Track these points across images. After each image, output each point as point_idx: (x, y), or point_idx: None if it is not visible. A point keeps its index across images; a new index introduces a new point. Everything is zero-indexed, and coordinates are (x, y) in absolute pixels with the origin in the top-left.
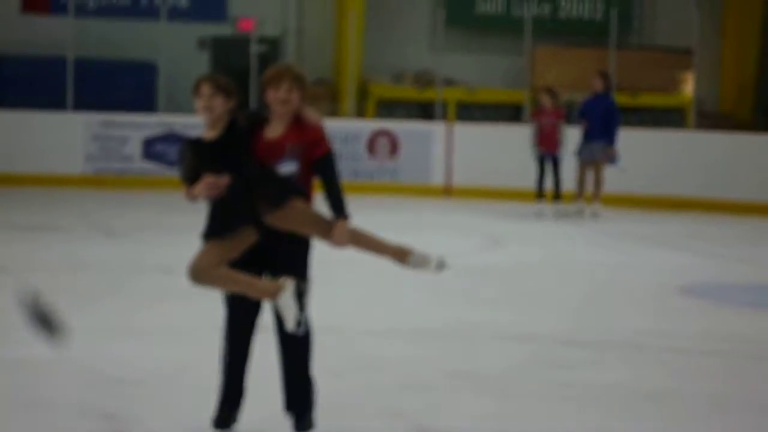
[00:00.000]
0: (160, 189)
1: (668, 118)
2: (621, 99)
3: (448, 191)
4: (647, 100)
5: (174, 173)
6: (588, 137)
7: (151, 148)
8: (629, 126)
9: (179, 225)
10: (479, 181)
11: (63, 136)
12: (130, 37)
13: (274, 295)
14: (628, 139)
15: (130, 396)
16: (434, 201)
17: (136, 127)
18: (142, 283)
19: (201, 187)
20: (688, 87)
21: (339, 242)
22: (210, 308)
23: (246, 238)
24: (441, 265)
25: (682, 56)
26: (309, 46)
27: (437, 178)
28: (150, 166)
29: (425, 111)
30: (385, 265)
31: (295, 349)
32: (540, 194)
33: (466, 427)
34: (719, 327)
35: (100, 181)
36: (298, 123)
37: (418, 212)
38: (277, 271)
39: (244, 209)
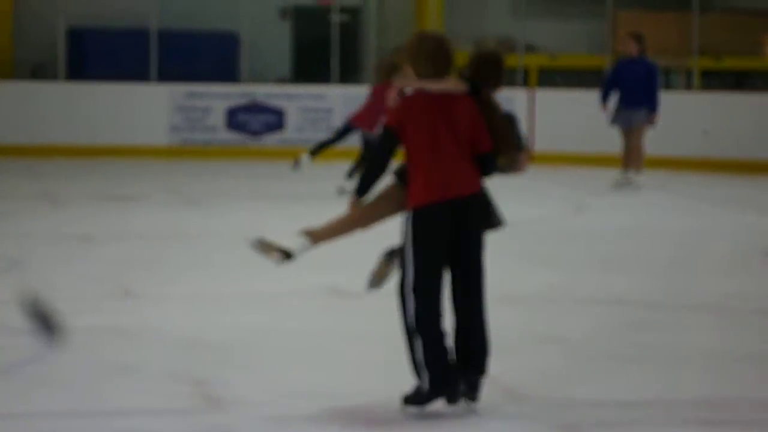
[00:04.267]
0: (244, 158)
1: (752, 81)
2: (705, 63)
3: (530, 158)
4: (731, 63)
5: (257, 142)
6: (626, 103)
7: (234, 118)
8: (713, 89)
9: (264, 194)
10: (561, 147)
11: (147, 107)
12: (212, 7)
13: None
14: (712, 102)
15: (218, 361)
16: None
17: (220, 97)
18: (227, 251)
19: None
20: None
21: None
22: (294, 275)
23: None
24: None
25: (766, 19)
26: (390, 15)
27: None
28: (234, 136)
29: (507, 77)
30: None
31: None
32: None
33: (552, 390)
34: None
35: (184, 151)
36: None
37: (501, 178)
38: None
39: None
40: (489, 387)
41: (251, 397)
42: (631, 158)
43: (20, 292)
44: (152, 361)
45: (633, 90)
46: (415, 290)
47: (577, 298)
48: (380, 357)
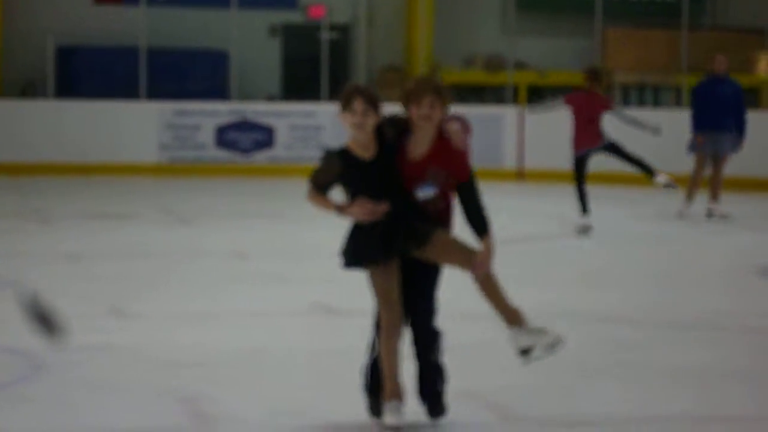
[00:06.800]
0: (233, 176)
1: None
2: (694, 80)
3: (520, 175)
4: None
5: (246, 160)
6: (714, 127)
7: (224, 136)
8: None
9: (252, 211)
10: (551, 165)
11: (137, 125)
12: (201, 25)
13: None
14: None
15: (205, 379)
16: (506, 185)
17: (209, 115)
18: (217, 269)
19: (358, 210)
20: (763, 67)
21: (481, 268)
22: (282, 293)
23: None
24: (552, 347)
25: (755, 36)
26: (379, 33)
27: (509, 162)
28: (223, 154)
29: (496, 95)
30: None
31: (428, 340)
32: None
33: (536, 407)
34: None
35: (173, 169)
36: (441, 142)
37: (491, 196)
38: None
39: (401, 237)
40: (472, 404)
41: (240, 414)
42: (717, 187)
43: (19, 292)
44: (141, 379)
45: (722, 112)
46: None
47: (563, 315)
48: None
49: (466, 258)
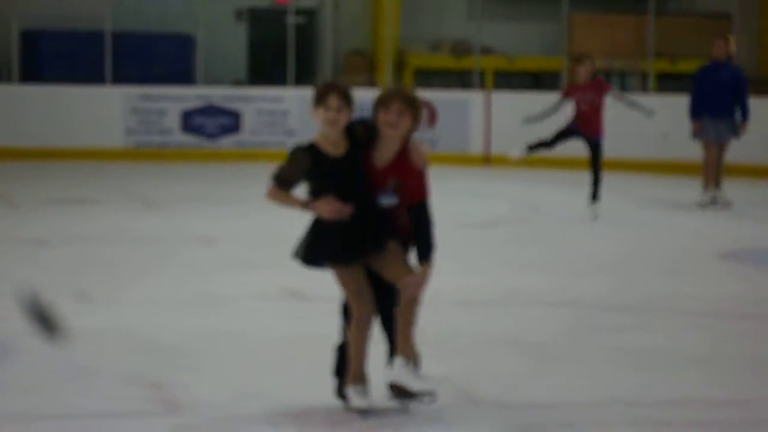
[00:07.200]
0: (199, 161)
1: None
2: (660, 65)
3: (486, 160)
4: (686, 66)
5: (213, 145)
6: (713, 113)
7: (189, 121)
8: (669, 92)
9: (219, 197)
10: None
11: (102, 109)
12: (167, 9)
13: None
14: (668, 106)
15: (175, 364)
16: (473, 170)
17: (175, 99)
18: (184, 254)
19: (325, 206)
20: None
21: (410, 289)
22: (251, 278)
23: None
24: (423, 395)
25: (721, 21)
26: (346, 17)
27: (475, 147)
28: (189, 139)
29: (463, 80)
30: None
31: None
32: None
33: (507, 391)
34: (760, 291)
35: (139, 154)
36: (404, 156)
37: (457, 181)
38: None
39: (363, 240)
40: (446, 389)
41: (208, 399)
42: (720, 173)
43: (18, 290)
44: (109, 364)
45: (721, 98)
46: None
47: (532, 300)
48: None
49: (403, 274)
